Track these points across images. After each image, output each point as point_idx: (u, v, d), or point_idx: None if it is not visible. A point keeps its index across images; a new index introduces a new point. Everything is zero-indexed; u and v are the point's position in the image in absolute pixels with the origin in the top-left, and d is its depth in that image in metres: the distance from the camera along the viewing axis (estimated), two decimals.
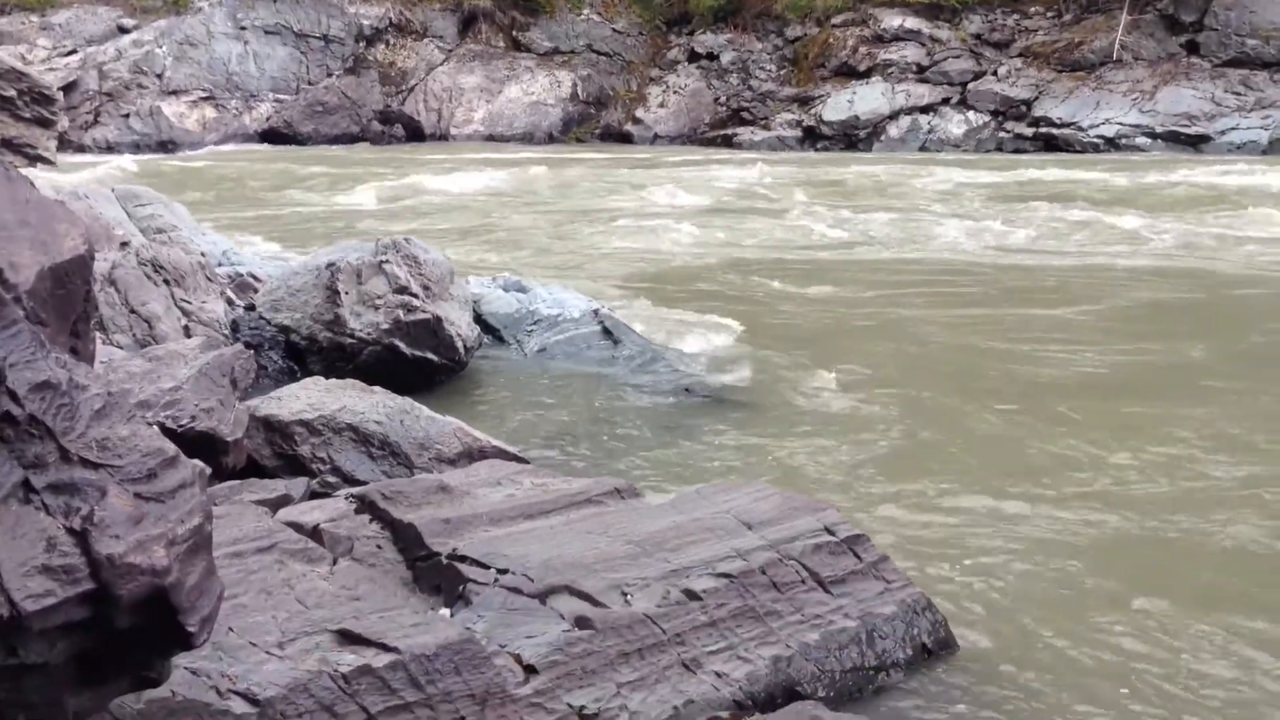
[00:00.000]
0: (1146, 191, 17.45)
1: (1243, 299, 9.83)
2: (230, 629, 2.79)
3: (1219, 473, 5.37)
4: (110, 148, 25.41)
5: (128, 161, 20.81)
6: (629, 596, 3.34)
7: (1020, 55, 28.53)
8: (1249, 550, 4.55)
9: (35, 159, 13.06)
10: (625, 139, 29.53)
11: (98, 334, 4.96)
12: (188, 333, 6.30)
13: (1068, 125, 26.70)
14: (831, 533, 3.89)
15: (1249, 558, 4.49)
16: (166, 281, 6.63)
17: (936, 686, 3.47)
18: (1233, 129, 25.77)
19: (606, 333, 7.45)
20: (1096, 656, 3.67)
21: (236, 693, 2.56)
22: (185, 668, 2.55)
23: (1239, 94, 26.35)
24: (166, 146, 26.36)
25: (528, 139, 29.50)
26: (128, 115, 26.64)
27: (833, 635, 3.53)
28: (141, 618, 1.98)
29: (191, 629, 1.99)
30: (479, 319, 7.27)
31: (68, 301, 2.40)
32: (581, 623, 3.17)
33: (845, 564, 3.79)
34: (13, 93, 9.14)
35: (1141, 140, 26.02)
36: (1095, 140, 26.20)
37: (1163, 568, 4.40)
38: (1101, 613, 3.96)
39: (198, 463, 2.57)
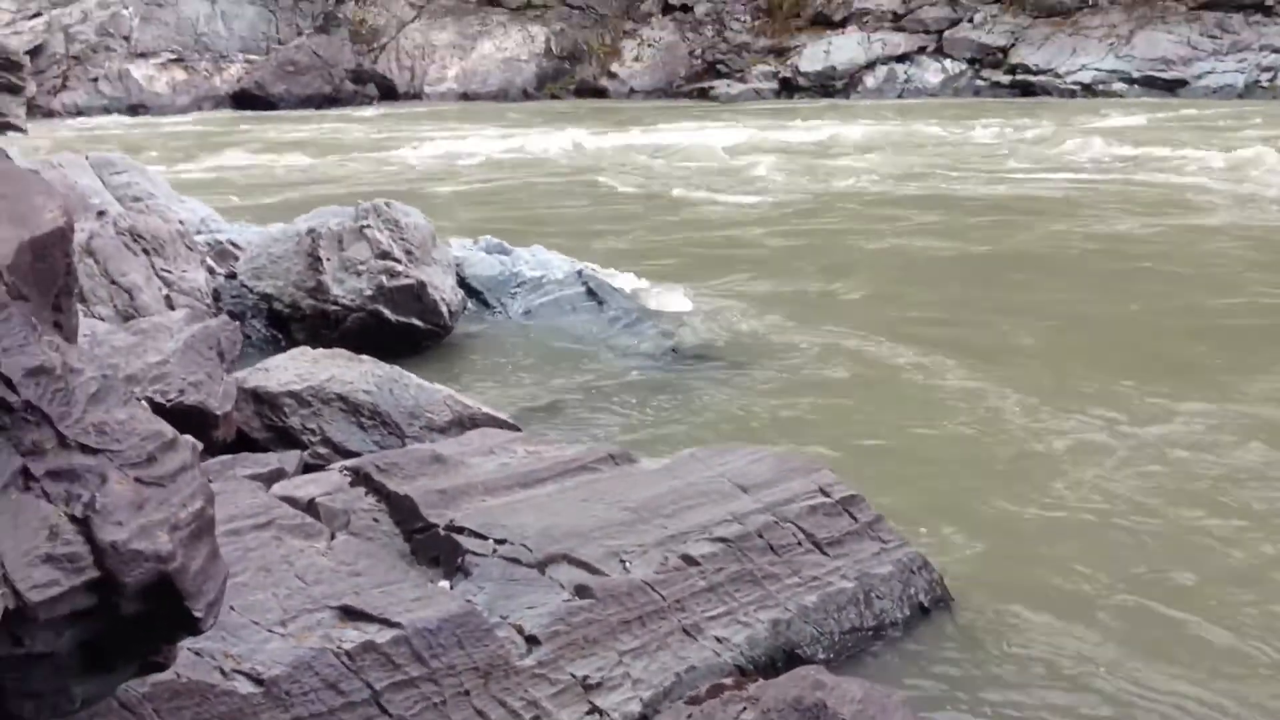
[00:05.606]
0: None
1: None
2: (231, 608, 2.77)
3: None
4: (80, 112, 25.09)
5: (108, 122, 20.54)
6: (627, 564, 3.34)
7: (996, 1, 28.41)
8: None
9: (5, 126, 12.86)
10: (600, 94, 29.30)
11: (79, 306, 4.89)
12: (169, 303, 6.23)
13: (1044, 72, 26.66)
14: (826, 494, 3.89)
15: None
16: (146, 251, 6.54)
17: (934, 646, 3.49)
18: (1209, 73, 25.78)
19: (591, 293, 7.41)
20: (1096, 613, 3.70)
21: (241, 673, 2.54)
22: (189, 649, 2.53)
23: (1215, 37, 26.33)
24: (136, 110, 26.00)
25: (501, 96, 29.22)
26: (96, 79, 26.25)
27: (831, 597, 3.54)
28: (147, 604, 1.96)
29: (198, 614, 1.98)
30: (462, 282, 7.22)
31: (49, 276, 2.34)
32: (581, 591, 3.17)
33: (841, 525, 3.80)
34: None
35: (1119, 86, 26.00)
36: (1072, 87, 26.17)
37: (1164, 545, 4.42)
38: (1103, 568, 3.97)
39: (189, 438, 2.53)
